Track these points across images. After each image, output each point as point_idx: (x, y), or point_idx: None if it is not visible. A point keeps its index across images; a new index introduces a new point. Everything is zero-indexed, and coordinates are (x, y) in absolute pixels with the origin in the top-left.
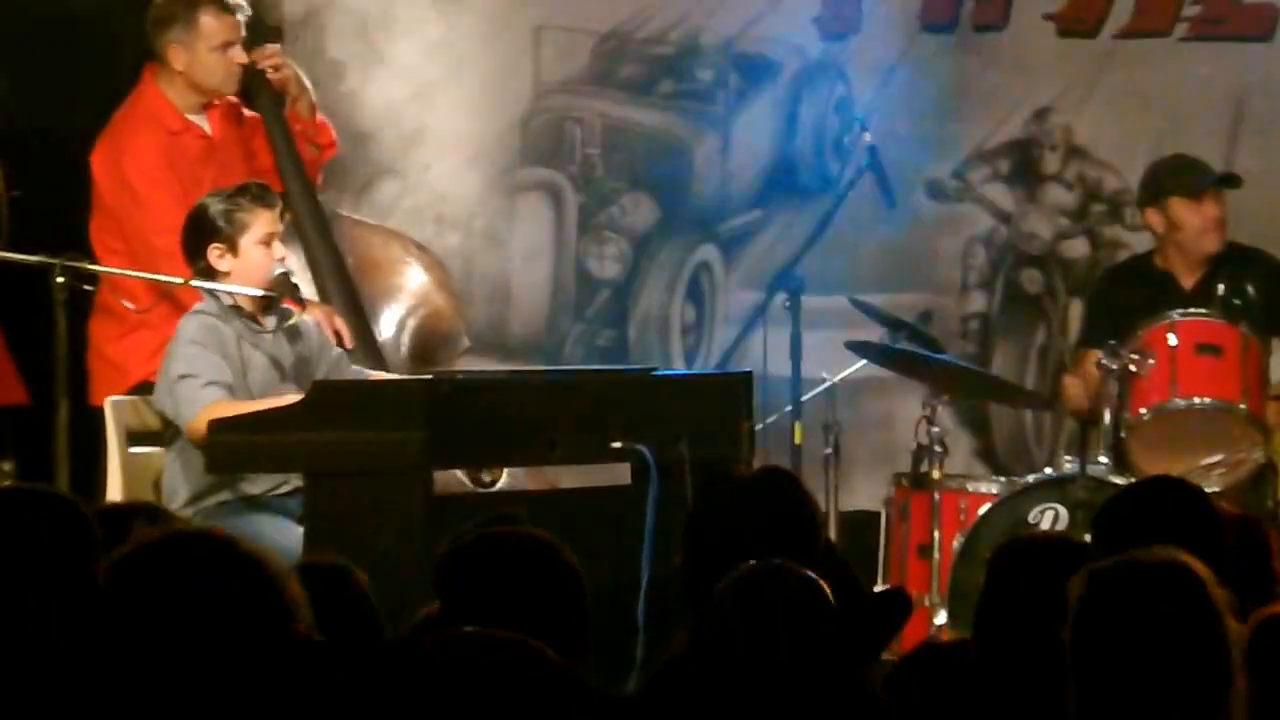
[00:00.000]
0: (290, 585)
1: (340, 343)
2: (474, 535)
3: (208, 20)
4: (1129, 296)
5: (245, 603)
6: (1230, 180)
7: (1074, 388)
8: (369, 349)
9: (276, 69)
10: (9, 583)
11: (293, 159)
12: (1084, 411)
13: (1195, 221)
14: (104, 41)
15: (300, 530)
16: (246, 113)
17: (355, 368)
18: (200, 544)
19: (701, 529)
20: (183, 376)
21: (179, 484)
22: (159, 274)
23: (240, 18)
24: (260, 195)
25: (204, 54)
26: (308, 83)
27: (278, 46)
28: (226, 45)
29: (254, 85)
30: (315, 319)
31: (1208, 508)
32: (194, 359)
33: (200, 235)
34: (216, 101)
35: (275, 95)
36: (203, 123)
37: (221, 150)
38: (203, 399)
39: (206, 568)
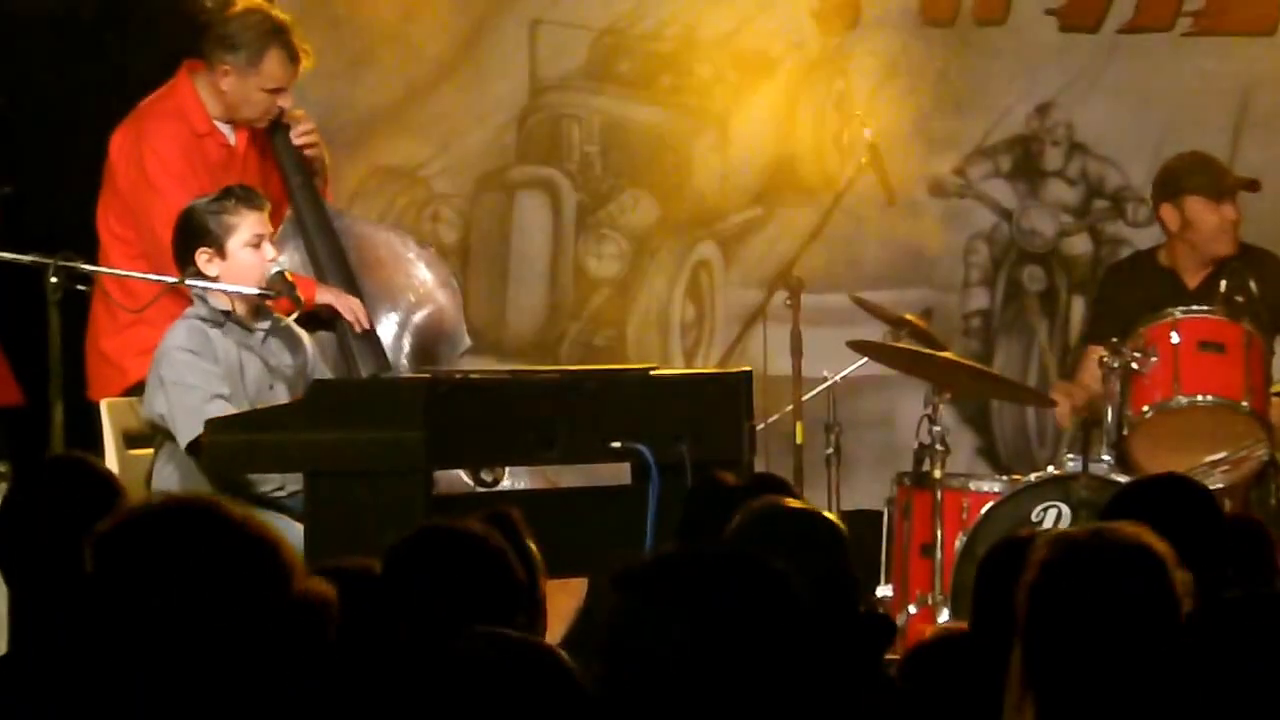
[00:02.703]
0: (284, 548)
1: (349, 327)
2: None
3: (272, 64)
4: (1133, 293)
5: (238, 566)
6: (1251, 185)
7: (1063, 397)
8: (371, 347)
9: (313, 145)
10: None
11: (293, 152)
12: (1074, 415)
13: (1212, 222)
14: (105, 39)
15: (300, 530)
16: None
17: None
18: (189, 511)
19: (694, 540)
20: (178, 385)
21: (171, 486)
22: (160, 267)
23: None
24: (246, 197)
25: (253, 90)
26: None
27: (311, 125)
28: (279, 90)
29: None
30: (328, 301)
31: (1212, 505)
32: (190, 367)
33: (188, 240)
34: None
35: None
36: (228, 131)
37: (242, 162)
38: (205, 413)
39: (196, 534)
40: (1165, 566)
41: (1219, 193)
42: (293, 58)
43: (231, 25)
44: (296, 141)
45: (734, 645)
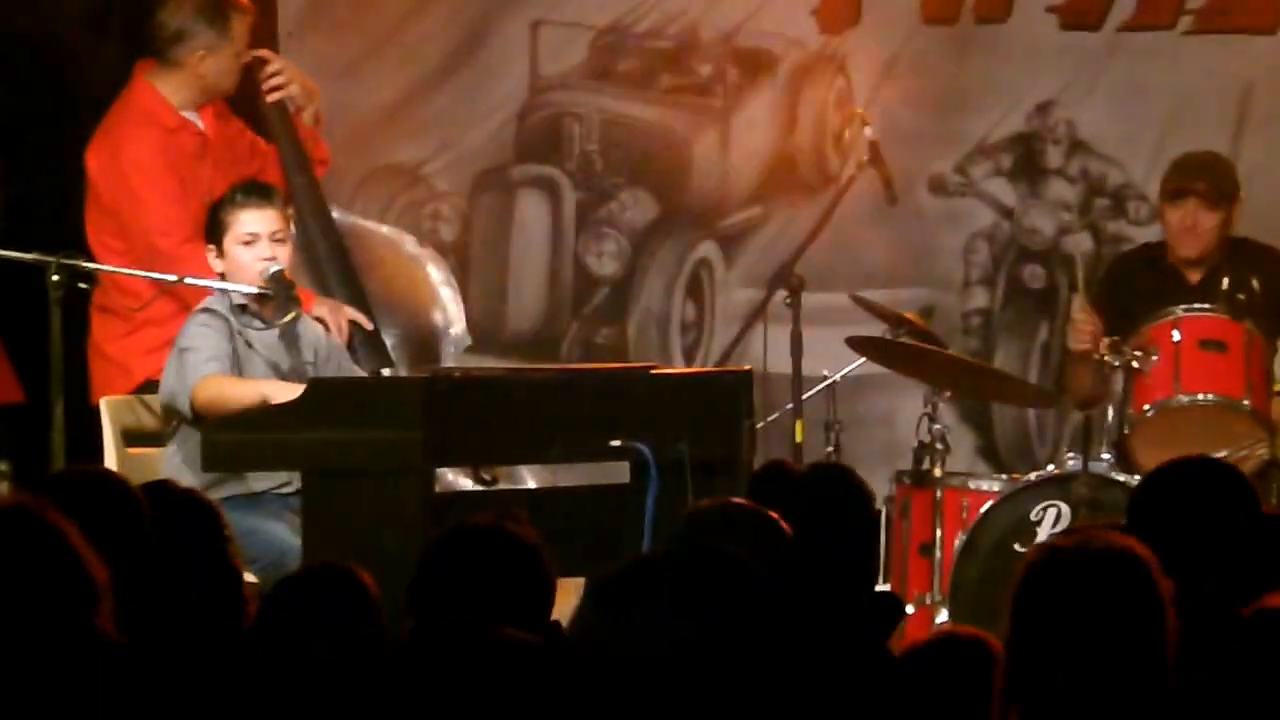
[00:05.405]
0: (93, 568)
1: (350, 336)
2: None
3: (240, 27)
4: (1138, 282)
5: (45, 588)
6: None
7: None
8: (374, 345)
9: (278, 88)
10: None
11: (296, 152)
12: (1090, 353)
13: (1169, 221)
14: (105, 38)
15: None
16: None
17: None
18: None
19: None
20: (184, 350)
21: (179, 476)
22: (160, 272)
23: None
24: (245, 194)
25: (229, 60)
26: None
27: (279, 64)
28: (245, 48)
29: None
30: (322, 314)
31: (1247, 490)
32: (199, 337)
33: (206, 237)
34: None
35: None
36: (196, 119)
37: (216, 146)
38: (202, 371)
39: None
40: (1150, 574)
41: (1173, 193)
42: (244, 10)
43: (187, 11)
44: (266, 86)
45: (716, 642)
